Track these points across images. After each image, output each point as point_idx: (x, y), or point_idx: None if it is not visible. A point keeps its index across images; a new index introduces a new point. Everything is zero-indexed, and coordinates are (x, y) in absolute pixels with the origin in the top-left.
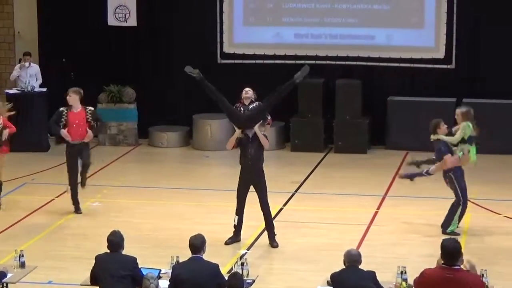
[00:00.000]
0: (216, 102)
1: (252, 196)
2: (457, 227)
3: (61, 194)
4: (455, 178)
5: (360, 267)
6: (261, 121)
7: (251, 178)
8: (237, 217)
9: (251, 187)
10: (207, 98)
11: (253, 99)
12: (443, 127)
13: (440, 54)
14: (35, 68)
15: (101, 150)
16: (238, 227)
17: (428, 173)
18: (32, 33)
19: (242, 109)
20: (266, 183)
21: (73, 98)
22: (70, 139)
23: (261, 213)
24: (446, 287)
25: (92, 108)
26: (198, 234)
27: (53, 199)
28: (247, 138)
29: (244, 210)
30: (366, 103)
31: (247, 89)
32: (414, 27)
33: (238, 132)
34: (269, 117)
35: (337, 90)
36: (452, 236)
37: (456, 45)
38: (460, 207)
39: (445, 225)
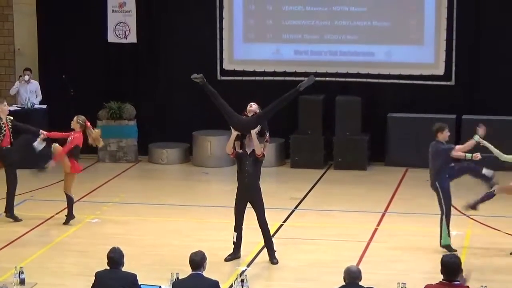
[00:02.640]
0: (218, 106)
1: (251, 213)
2: (449, 236)
3: (60, 211)
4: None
5: (360, 283)
6: (259, 127)
7: (248, 195)
8: (235, 233)
9: (248, 203)
10: (206, 115)
11: (257, 113)
12: (446, 133)
13: (440, 71)
14: (35, 85)
15: (101, 166)
16: (237, 244)
17: (490, 195)
18: (32, 50)
19: None
20: (263, 200)
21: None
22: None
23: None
24: None
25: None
26: (198, 250)
27: (53, 215)
28: (245, 154)
29: (243, 226)
30: (365, 119)
31: (252, 103)
32: (414, 43)
33: (234, 134)
34: (267, 135)
35: (337, 106)
36: (452, 252)
37: (456, 62)
38: (444, 216)
39: (440, 240)
